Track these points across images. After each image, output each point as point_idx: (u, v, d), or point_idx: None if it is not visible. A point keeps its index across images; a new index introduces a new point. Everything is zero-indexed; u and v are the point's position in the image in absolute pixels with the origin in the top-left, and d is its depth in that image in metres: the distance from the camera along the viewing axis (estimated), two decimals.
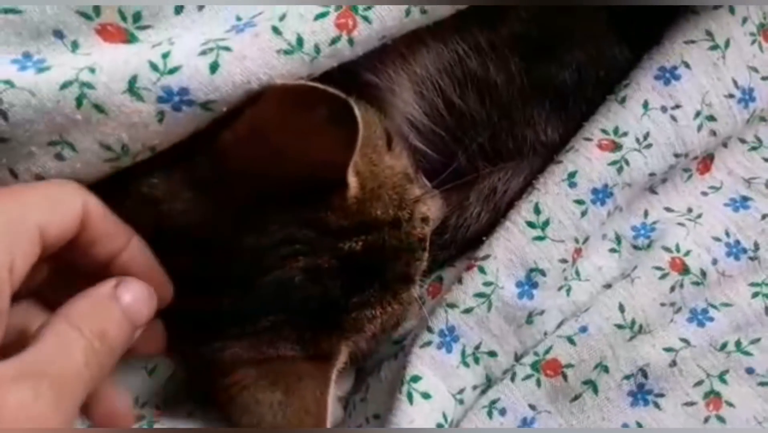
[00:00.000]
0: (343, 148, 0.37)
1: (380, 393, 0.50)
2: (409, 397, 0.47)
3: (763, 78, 0.51)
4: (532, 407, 0.49)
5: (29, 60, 0.36)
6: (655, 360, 0.49)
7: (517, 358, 0.50)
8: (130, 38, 0.38)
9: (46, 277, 0.37)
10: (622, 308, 0.50)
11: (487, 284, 0.49)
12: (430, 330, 0.49)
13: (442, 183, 0.49)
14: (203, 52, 0.36)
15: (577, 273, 0.52)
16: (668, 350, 0.49)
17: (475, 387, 0.50)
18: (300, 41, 0.38)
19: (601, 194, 0.50)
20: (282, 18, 0.38)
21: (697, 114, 0.50)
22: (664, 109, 0.50)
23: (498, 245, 0.49)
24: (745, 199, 0.54)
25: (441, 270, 0.53)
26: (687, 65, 0.50)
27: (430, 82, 0.48)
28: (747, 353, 0.50)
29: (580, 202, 0.50)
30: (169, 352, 0.43)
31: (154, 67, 0.36)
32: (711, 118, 0.51)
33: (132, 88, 0.36)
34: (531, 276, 0.49)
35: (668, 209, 0.54)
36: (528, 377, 0.49)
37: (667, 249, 0.52)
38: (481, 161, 0.51)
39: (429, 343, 0.49)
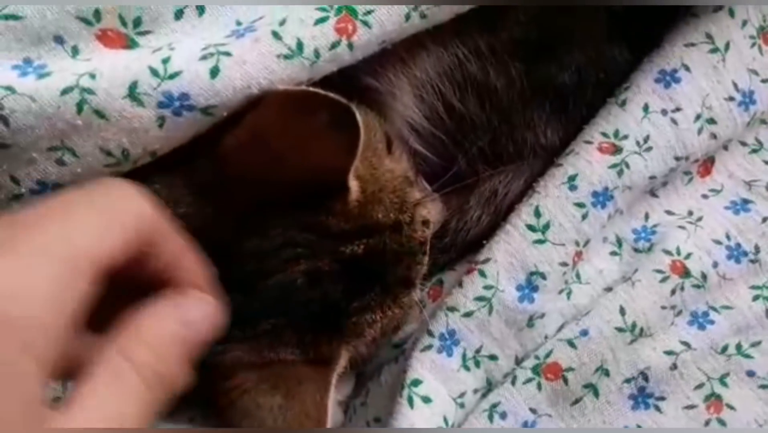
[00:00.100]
0: (345, 153, 0.37)
1: (381, 397, 0.50)
2: (410, 401, 0.47)
3: (763, 81, 0.51)
4: (532, 410, 0.49)
5: (30, 66, 0.37)
6: (656, 363, 0.49)
7: (518, 361, 0.50)
8: (130, 44, 0.38)
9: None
10: (622, 311, 0.50)
11: (487, 287, 0.49)
12: (430, 334, 0.49)
13: (443, 186, 0.49)
14: (203, 57, 0.36)
15: (578, 276, 0.52)
16: (669, 353, 0.49)
17: (475, 391, 0.50)
18: (300, 46, 0.38)
19: (602, 197, 0.50)
20: (282, 23, 0.38)
21: (698, 117, 0.50)
22: (664, 112, 0.50)
23: (498, 249, 0.49)
24: (745, 202, 0.54)
25: (441, 273, 0.53)
26: (687, 68, 0.50)
27: (430, 86, 0.48)
28: (748, 356, 0.50)
29: (580, 205, 0.50)
30: None
31: (154, 72, 0.36)
32: (711, 121, 0.51)
33: (132, 93, 0.36)
34: (531, 279, 0.49)
35: (669, 212, 0.54)
36: (529, 380, 0.49)
37: (668, 252, 0.52)
38: (481, 165, 0.51)
39: (429, 347, 0.49)
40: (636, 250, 0.53)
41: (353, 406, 0.52)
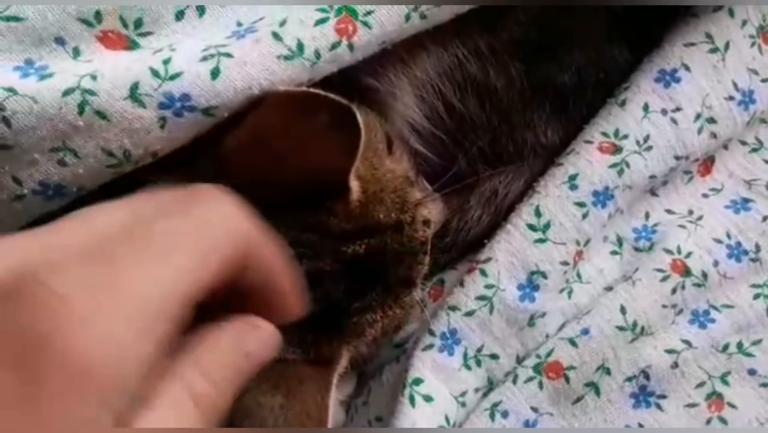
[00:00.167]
0: (346, 154, 0.37)
1: (382, 396, 0.50)
2: (411, 400, 0.47)
3: (763, 80, 0.51)
4: (534, 409, 0.49)
5: (31, 67, 0.37)
6: (657, 362, 0.49)
7: (519, 360, 0.50)
8: (131, 45, 0.38)
9: None
10: (623, 310, 0.50)
11: (488, 286, 0.49)
12: (431, 333, 0.49)
13: (443, 186, 0.49)
14: (204, 58, 0.36)
15: (579, 275, 0.52)
16: (670, 351, 0.49)
17: (477, 390, 0.50)
18: (300, 47, 0.38)
19: (602, 197, 0.50)
20: (282, 24, 0.38)
21: (698, 116, 0.50)
22: (664, 111, 0.50)
23: (499, 248, 0.50)
24: (746, 201, 0.54)
25: (442, 273, 0.53)
26: (687, 68, 0.50)
27: (431, 86, 0.48)
28: (749, 355, 0.50)
29: (581, 204, 0.50)
30: None
31: (155, 73, 0.36)
32: (711, 120, 0.51)
33: (134, 94, 0.36)
34: (532, 279, 0.49)
35: (669, 211, 0.54)
36: (530, 379, 0.49)
37: (668, 251, 0.52)
38: (481, 164, 0.51)
39: (431, 346, 0.49)
40: (636, 249, 0.53)
41: (355, 405, 0.52)
